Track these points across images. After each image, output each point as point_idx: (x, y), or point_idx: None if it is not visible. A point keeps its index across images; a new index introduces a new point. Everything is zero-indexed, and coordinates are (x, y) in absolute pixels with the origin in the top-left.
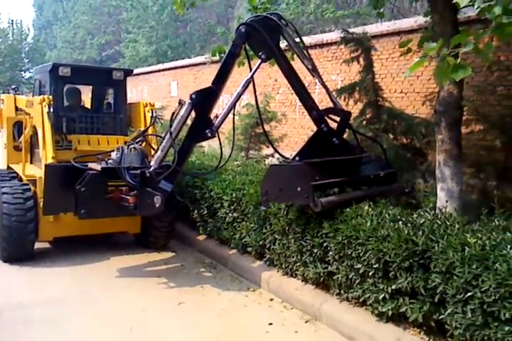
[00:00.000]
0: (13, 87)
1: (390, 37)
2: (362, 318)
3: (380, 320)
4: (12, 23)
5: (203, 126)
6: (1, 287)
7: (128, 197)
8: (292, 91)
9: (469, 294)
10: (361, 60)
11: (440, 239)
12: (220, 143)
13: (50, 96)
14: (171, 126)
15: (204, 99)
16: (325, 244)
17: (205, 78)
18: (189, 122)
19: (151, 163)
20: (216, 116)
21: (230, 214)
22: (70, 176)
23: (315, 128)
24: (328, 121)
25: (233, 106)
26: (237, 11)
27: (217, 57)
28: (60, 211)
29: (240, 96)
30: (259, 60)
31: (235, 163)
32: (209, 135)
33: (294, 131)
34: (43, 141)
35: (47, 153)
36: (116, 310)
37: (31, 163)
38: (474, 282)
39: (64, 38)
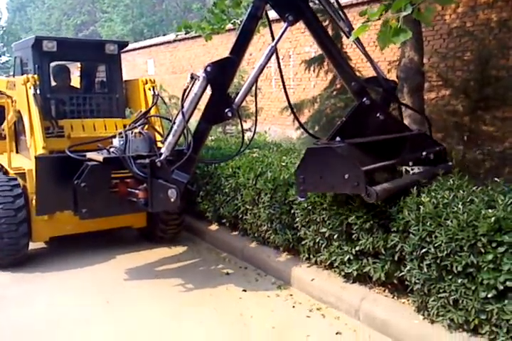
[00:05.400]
0: None
1: (361, 6)
2: (330, 280)
3: (347, 281)
4: None
5: (221, 105)
6: None
7: (136, 192)
8: (270, 65)
9: (424, 250)
10: (329, 30)
11: (397, 200)
12: (242, 124)
13: (35, 76)
14: (182, 106)
15: (221, 72)
16: (292, 211)
17: (181, 55)
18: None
19: (162, 150)
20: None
21: (204, 188)
22: (66, 169)
23: (292, 101)
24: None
25: (256, 80)
26: None
27: (182, 32)
28: (56, 210)
29: (263, 68)
30: (286, 24)
31: (210, 137)
32: (229, 115)
33: (271, 105)
34: (30, 128)
35: (36, 143)
36: (93, 283)
37: (17, 152)
38: (428, 238)
39: (39, 20)
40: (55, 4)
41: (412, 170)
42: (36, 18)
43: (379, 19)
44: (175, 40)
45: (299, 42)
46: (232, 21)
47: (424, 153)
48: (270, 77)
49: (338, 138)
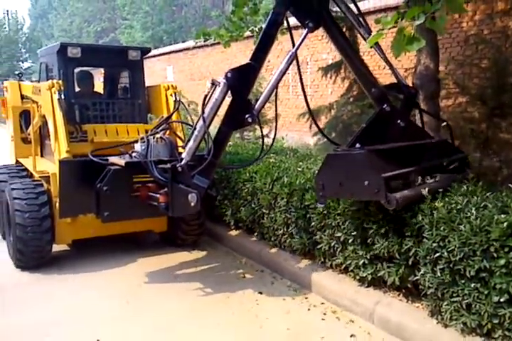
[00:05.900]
0: (18, 72)
1: (378, 14)
2: (345, 284)
3: (362, 285)
4: (7, 14)
5: (241, 111)
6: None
7: (157, 196)
8: (288, 72)
9: (437, 255)
10: None
11: (412, 205)
12: (262, 130)
13: (60, 81)
14: (203, 111)
15: (242, 78)
16: (308, 215)
17: (200, 62)
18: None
19: (183, 155)
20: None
21: (221, 192)
22: (89, 173)
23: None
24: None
25: (276, 86)
26: None
27: (201, 40)
28: (79, 213)
29: (283, 74)
30: (306, 30)
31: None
32: (249, 120)
33: (289, 111)
34: (54, 133)
35: (60, 147)
36: (113, 285)
37: (42, 156)
38: (442, 243)
39: (60, 27)
40: (76, 11)
41: (432, 177)
42: (58, 25)
43: (394, 27)
44: (194, 47)
45: (316, 49)
46: (250, 29)
47: (445, 161)
48: (287, 83)
49: (358, 145)
